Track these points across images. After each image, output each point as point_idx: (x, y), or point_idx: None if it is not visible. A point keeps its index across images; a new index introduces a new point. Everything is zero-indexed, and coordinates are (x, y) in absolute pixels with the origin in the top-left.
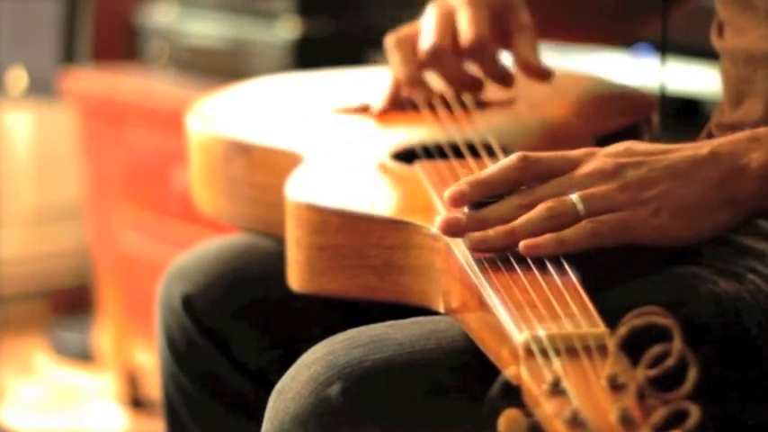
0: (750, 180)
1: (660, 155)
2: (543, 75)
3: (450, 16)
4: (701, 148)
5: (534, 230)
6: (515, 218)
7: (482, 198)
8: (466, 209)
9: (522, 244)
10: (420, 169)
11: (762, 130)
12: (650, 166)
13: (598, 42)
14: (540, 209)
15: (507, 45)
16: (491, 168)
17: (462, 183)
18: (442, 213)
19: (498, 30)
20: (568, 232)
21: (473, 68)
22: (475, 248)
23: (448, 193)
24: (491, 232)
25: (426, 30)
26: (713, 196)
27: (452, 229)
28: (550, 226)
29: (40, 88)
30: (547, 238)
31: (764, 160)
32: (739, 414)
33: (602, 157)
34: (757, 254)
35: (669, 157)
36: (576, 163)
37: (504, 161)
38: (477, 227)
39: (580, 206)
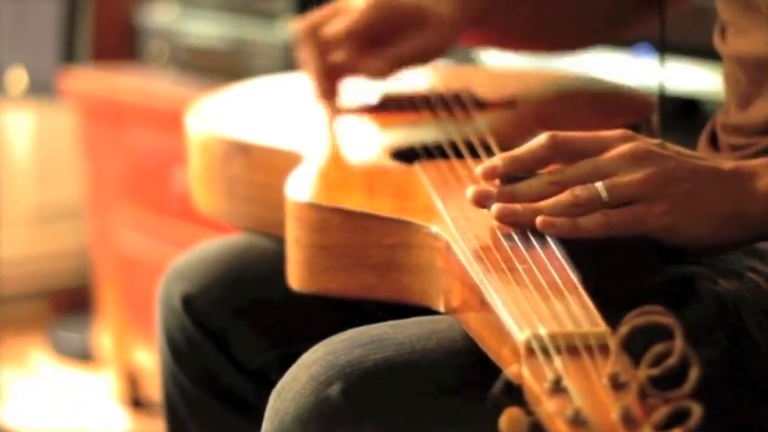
0: (761, 206)
1: (689, 157)
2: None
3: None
4: (725, 164)
5: (559, 212)
6: (544, 194)
7: (513, 173)
8: (497, 182)
9: (539, 219)
10: (420, 169)
11: None
12: (678, 164)
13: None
14: (567, 195)
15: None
16: (523, 147)
17: (495, 158)
18: (471, 187)
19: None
20: (584, 220)
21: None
22: (502, 220)
23: (481, 167)
24: (519, 207)
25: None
26: (726, 211)
27: (483, 200)
28: (574, 211)
29: (40, 88)
30: (563, 220)
31: None
32: (739, 414)
33: (635, 142)
34: (757, 253)
35: (696, 162)
36: (606, 144)
37: (535, 140)
38: (506, 199)
39: (604, 194)
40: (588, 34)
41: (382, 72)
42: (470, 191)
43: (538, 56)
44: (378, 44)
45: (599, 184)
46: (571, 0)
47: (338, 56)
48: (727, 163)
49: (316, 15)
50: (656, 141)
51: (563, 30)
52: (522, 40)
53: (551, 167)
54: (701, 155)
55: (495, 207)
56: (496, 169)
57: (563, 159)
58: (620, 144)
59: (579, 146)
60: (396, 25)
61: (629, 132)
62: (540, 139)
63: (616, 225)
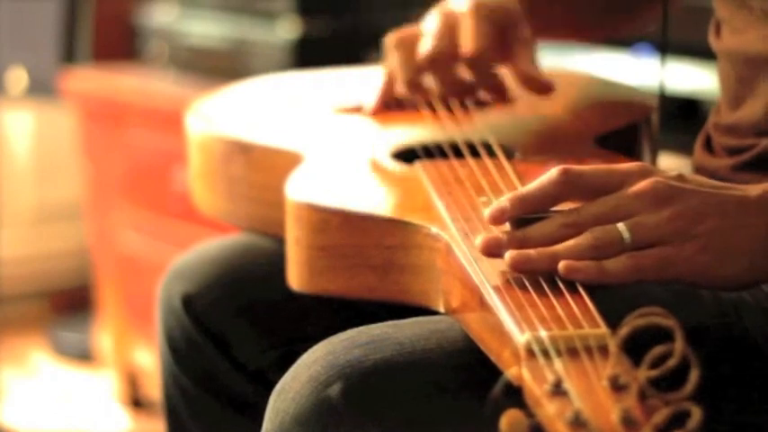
0: None
1: (711, 189)
2: (544, 88)
3: (453, 24)
4: (752, 190)
5: (577, 258)
6: (558, 237)
7: (523, 215)
8: (507, 226)
9: (562, 264)
10: (420, 169)
11: None
12: (702, 199)
13: (598, 37)
14: (586, 237)
15: (506, 58)
16: (532, 184)
17: (503, 199)
18: (482, 234)
19: (499, 42)
20: (611, 264)
21: (468, 76)
22: (516, 269)
23: (488, 211)
24: (533, 253)
25: (428, 34)
26: (760, 243)
27: (492, 250)
28: (594, 255)
29: (40, 88)
30: (589, 265)
31: None
32: (739, 415)
33: (654, 178)
34: None
35: (720, 193)
36: (622, 179)
37: (545, 176)
38: (518, 246)
39: (626, 235)
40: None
41: (539, 80)
42: (479, 240)
43: (578, 42)
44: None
45: (621, 226)
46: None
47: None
48: (754, 189)
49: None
50: (675, 174)
51: (600, 16)
52: (564, 29)
53: (564, 205)
54: (724, 184)
55: (509, 255)
56: (505, 212)
57: (576, 197)
58: (638, 180)
59: (594, 182)
60: (503, 27)
61: (647, 166)
62: (551, 174)
63: (643, 269)
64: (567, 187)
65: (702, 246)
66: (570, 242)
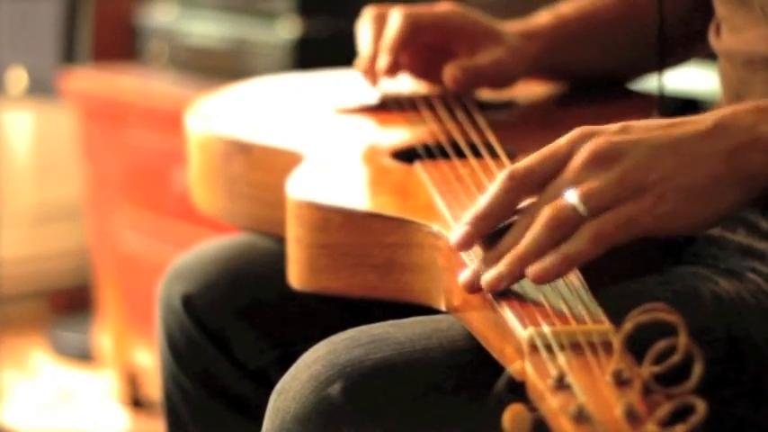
0: (763, 152)
1: (659, 130)
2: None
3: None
4: (703, 121)
5: (542, 247)
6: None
7: (489, 230)
8: (477, 249)
9: (529, 274)
10: (421, 168)
11: (765, 102)
12: (649, 143)
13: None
14: (541, 222)
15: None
16: (485, 198)
17: (462, 224)
18: (466, 270)
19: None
20: (572, 245)
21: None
22: (495, 290)
23: (453, 241)
24: (502, 267)
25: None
26: (722, 173)
27: (475, 286)
28: (557, 237)
29: (40, 88)
30: (552, 259)
31: None
32: (739, 414)
33: (594, 140)
34: (757, 253)
35: (670, 132)
36: (567, 153)
37: (494, 185)
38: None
39: (581, 208)
40: (637, 67)
41: (458, 82)
42: (462, 279)
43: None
44: (445, 54)
45: (571, 198)
46: (621, 39)
47: (403, 57)
48: (707, 119)
49: (384, 8)
50: (618, 128)
51: (614, 65)
52: (577, 77)
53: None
54: (674, 120)
55: (483, 282)
56: (471, 236)
57: (534, 191)
58: (579, 147)
59: (542, 169)
60: (468, 38)
61: (587, 129)
62: (500, 181)
63: (607, 235)
64: (518, 187)
65: (660, 193)
66: (528, 234)
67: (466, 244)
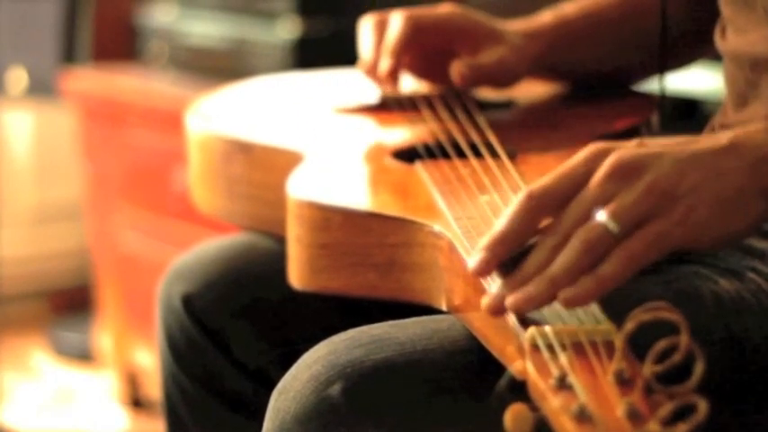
0: None
1: (677, 146)
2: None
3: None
4: (719, 139)
5: (575, 271)
6: (554, 259)
7: (507, 255)
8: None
9: (561, 299)
10: (421, 168)
11: None
12: (673, 156)
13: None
14: (573, 245)
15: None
16: (502, 221)
17: (479, 249)
18: (489, 292)
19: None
20: (606, 268)
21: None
22: (522, 312)
23: (471, 267)
24: (531, 288)
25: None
26: (746, 185)
27: (499, 310)
28: (590, 260)
29: (40, 88)
30: (587, 285)
31: None
32: (739, 414)
33: (616, 153)
34: (758, 253)
35: (689, 147)
36: (586, 170)
37: (512, 207)
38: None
39: (612, 226)
40: (640, 68)
41: (466, 79)
42: (485, 304)
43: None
44: (446, 55)
45: (602, 218)
46: (624, 39)
47: (404, 59)
48: (723, 136)
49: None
50: (635, 143)
51: (617, 66)
52: (580, 78)
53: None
54: (689, 138)
55: (509, 303)
56: (489, 262)
57: (552, 211)
58: (598, 163)
59: (558, 189)
60: (470, 39)
61: (603, 145)
62: (518, 203)
63: (641, 255)
64: (537, 208)
65: (691, 204)
66: (560, 258)
67: (485, 270)
